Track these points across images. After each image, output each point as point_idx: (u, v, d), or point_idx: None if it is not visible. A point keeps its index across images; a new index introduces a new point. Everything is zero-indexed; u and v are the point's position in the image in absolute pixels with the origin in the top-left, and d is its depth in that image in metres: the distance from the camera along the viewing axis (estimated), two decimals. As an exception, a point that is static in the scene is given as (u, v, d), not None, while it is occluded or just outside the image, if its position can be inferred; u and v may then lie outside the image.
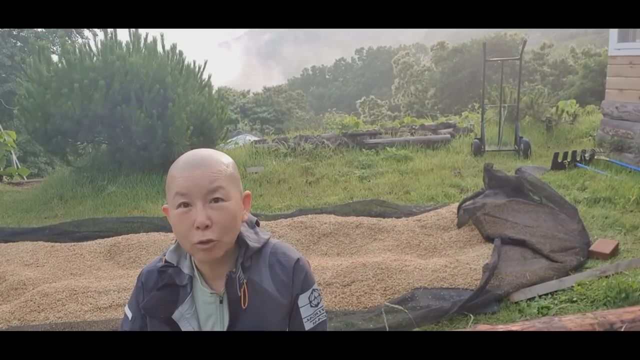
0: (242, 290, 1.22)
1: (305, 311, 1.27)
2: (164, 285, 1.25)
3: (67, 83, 6.15)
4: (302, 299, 1.27)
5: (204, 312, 1.26)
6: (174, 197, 1.16)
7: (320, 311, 1.29)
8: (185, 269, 1.26)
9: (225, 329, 1.24)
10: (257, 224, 1.34)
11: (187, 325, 1.24)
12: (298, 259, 1.28)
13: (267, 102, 35.57)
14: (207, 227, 1.14)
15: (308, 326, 1.27)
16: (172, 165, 1.21)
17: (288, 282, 1.25)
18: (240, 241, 1.25)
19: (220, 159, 1.20)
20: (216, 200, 1.15)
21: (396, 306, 3.04)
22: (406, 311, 2.99)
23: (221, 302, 1.25)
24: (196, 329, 1.24)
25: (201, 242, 1.15)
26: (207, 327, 1.26)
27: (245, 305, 1.22)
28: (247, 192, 1.27)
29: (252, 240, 1.26)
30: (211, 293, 1.25)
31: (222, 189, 1.16)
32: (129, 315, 1.32)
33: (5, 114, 14.94)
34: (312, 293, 1.28)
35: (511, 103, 7.75)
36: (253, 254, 1.25)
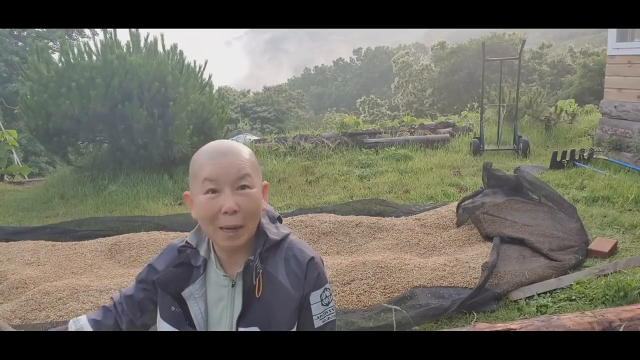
0: (257, 279, 1.25)
1: (316, 309, 1.30)
2: (180, 263, 1.30)
3: (67, 82, 6.15)
4: (314, 297, 1.30)
5: (215, 294, 1.29)
6: (203, 183, 1.20)
7: (330, 310, 1.33)
8: (202, 252, 1.30)
9: (234, 314, 1.27)
10: (280, 219, 1.37)
11: (194, 304, 1.27)
12: (313, 257, 1.31)
13: (267, 102, 35.54)
14: (234, 212, 1.18)
15: (317, 324, 1.30)
16: (198, 153, 1.25)
17: (301, 277, 1.28)
18: (261, 232, 1.28)
19: (244, 149, 1.25)
20: (243, 187, 1.20)
21: (390, 306, 3.03)
22: (403, 310, 2.99)
23: (233, 286, 1.28)
24: (202, 310, 1.28)
25: (228, 228, 1.19)
26: (217, 310, 1.29)
27: (259, 294, 1.25)
28: (265, 182, 1.31)
29: (273, 233, 1.30)
30: (224, 276, 1.28)
31: (249, 177, 1.20)
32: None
33: (7, 113, 14.95)
34: (323, 292, 1.31)
35: (510, 102, 7.76)
36: (271, 246, 1.28)
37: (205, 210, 1.20)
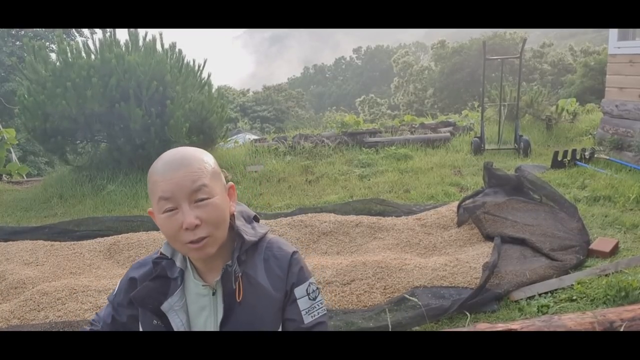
0: (237, 283, 1.23)
1: (303, 303, 1.27)
2: (156, 276, 1.27)
3: (64, 82, 6.14)
4: (299, 291, 1.27)
5: (196, 304, 1.26)
6: (158, 202, 1.16)
7: (318, 305, 1.29)
8: (178, 262, 1.27)
9: (218, 322, 1.24)
10: (256, 219, 1.34)
11: (175, 317, 1.25)
12: (293, 252, 1.29)
13: (267, 101, 35.57)
14: (196, 226, 1.15)
15: (307, 319, 1.26)
16: (151, 168, 1.20)
17: (282, 277, 1.26)
18: (237, 235, 1.25)
19: (199, 156, 1.20)
20: (201, 199, 1.16)
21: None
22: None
23: (214, 294, 1.25)
24: (184, 322, 1.25)
25: (192, 242, 1.16)
26: (200, 320, 1.26)
27: (240, 298, 1.22)
28: (231, 183, 1.27)
29: (249, 234, 1.27)
30: (203, 285, 1.25)
31: (206, 187, 1.16)
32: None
33: (5, 113, 14.95)
34: (309, 286, 1.28)
35: (511, 101, 7.75)
36: (249, 248, 1.26)
37: (166, 229, 1.17)
